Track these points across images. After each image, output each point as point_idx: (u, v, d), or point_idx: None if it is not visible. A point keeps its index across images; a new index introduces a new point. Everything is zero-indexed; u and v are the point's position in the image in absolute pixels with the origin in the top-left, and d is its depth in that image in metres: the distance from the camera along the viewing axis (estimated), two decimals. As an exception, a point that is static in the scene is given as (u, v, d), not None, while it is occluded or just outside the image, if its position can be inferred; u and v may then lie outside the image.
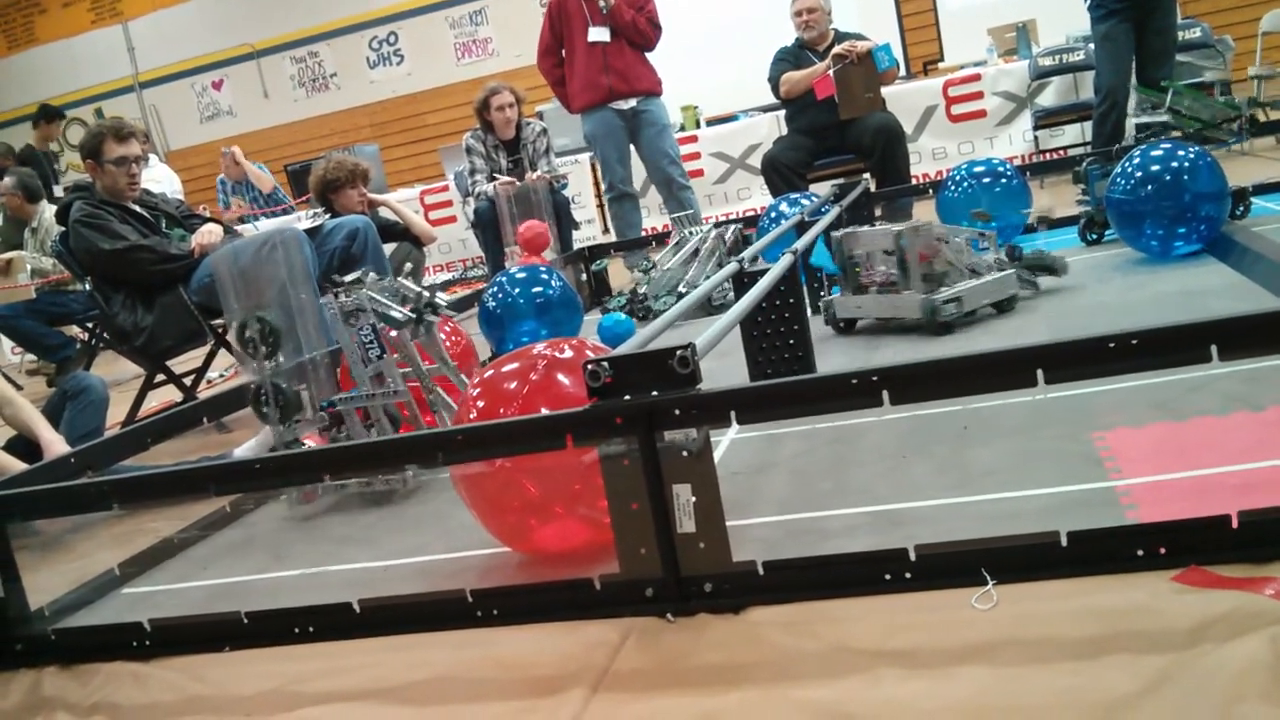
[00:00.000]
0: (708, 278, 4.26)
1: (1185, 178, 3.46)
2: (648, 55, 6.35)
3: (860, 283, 3.42)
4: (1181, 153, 3.54)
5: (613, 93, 6.21)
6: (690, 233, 4.76)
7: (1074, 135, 7.64)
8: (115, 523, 2.91)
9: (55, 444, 3.02)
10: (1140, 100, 5.58)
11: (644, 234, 6.51)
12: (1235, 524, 1.43)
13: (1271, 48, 8.29)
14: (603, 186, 6.57)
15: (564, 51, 6.35)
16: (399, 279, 2.83)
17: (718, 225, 4.85)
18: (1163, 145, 3.64)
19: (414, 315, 2.70)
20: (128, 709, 1.72)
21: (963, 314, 3.22)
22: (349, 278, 2.71)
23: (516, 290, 3.83)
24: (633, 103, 6.27)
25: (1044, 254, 3.50)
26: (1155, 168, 3.53)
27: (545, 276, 3.91)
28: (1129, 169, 3.59)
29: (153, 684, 1.78)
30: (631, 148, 6.42)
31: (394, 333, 2.69)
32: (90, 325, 6.30)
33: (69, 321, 6.45)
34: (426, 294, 2.77)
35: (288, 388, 2.61)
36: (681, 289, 4.23)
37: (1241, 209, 3.85)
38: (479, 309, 3.93)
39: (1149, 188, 3.50)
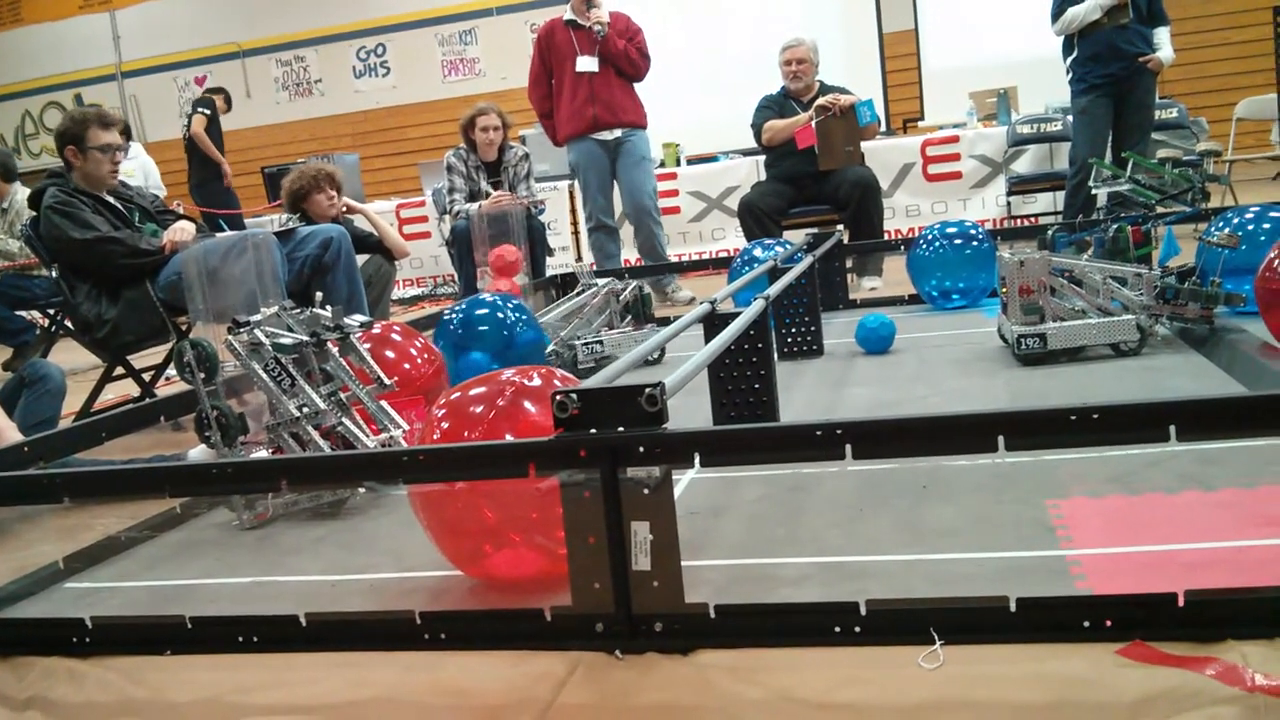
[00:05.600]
0: (596, 333, 4.18)
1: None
2: (635, 88, 6.41)
3: (1003, 302, 3.62)
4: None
5: (597, 122, 6.26)
6: (588, 284, 4.49)
7: (1046, 203, 7.77)
8: (62, 515, 2.87)
9: (8, 431, 2.98)
10: (1099, 172, 5.70)
11: (622, 265, 6.54)
12: (1181, 602, 1.45)
13: (1245, 133, 8.49)
14: (583, 215, 6.62)
15: (552, 82, 6.40)
16: (316, 309, 2.83)
17: (620, 277, 4.66)
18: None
19: (310, 338, 2.71)
20: (62, 706, 1.70)
21: (1047, 350, 3.32)
22: (255, 317, 2.70)
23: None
24: (617, 133, 6.32)
25: (1205, 289, 3.35)
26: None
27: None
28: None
29: (90, 683, 1.75)
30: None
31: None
32: (52, 312, 6.22)
33: (31, 306, 6.38)
34: (331, 319, 2.77)
35: (229, 410, 2.59)
36: (554, 346, 4.01)
37: None
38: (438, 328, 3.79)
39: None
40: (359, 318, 2.86)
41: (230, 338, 2.63)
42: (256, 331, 2.65)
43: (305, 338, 2.70)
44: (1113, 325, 3.32)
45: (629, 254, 7.45)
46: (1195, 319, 3.32)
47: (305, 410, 2.59)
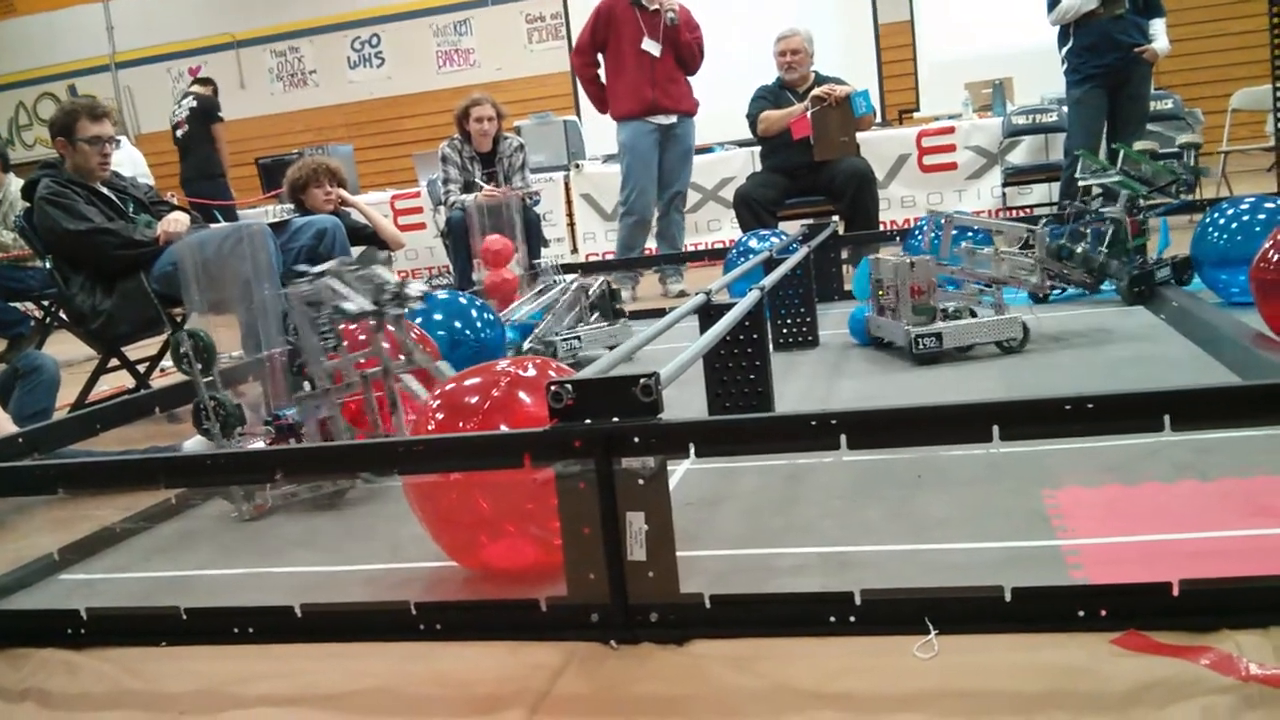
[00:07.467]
0: (570, 329, 4.13)
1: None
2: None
3: (880, 304, 3.68)
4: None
5: (655, 106, 6.22)
6: (554, 281, 4.50)
7: (1041, 194, 7.75)
8: (57, 506, 2.86)
9: (2, 423, 2.97)
10: (1086, 164, 5.69)
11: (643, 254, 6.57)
12: (1176, 591, 1.46)
13: (1240, 124, 8.48)
14: (620, 198, 6.52)
15: (601, 56, 6.35)
16: (375, 267, 2.78)
17: (584, 275, 4.64)
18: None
19: (373, 307, 2.67)
20: (58, 697, 1.69)
21: (941, 349, 3.38)
22: (318, 268, 2.67)
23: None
24: (672, 119, 6.29)
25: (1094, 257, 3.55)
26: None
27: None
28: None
29: (85, 674, 1.75)
30: None
31: (353, 326, 2.67)
32: (46, 304, 6.21)
33: (25, 298, 6.35)
34: (394, 285, 2.71)
35: (228, 401, 2.58)
36: (530, 344, 3.97)
37: (1185, 277, 3.93)
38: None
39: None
40: (418, 286, 2.81)
41: (290, 288, 2.61)
42: (324, 283, 2.61)
43: (369, 307, 2.66)
44: (999, 324, 3.42)
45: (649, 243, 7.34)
46: (1079, 284, 3.63)
47: (341, 386, 2.58)
